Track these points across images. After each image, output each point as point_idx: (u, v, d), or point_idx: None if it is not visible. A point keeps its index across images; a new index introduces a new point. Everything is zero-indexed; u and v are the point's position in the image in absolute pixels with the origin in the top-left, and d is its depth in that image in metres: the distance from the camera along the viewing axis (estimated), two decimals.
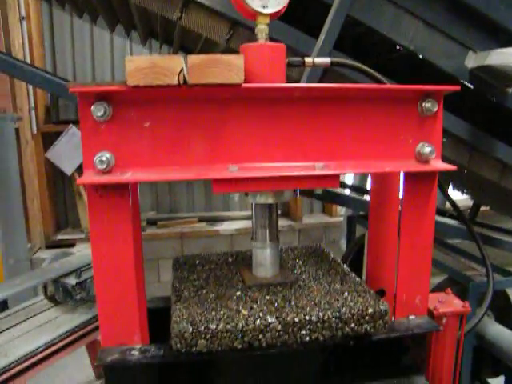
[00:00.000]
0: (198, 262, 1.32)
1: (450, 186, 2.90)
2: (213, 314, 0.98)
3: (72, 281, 2.34)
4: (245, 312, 0.99)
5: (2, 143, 3.34)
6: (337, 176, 0.95)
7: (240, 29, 1.63)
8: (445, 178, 2.49)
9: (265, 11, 1.00)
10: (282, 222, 4.53)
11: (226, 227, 4.44)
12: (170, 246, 4.32)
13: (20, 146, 3.88)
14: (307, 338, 0.98)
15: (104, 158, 0.86)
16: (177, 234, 4.33)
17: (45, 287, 2.44)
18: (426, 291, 1.15)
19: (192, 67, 0.83)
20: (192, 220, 4.53)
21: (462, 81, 1.76)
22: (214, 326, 0.93)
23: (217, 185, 0.91)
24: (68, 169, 4.13)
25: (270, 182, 0.94)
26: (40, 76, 1.76)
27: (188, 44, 2.69)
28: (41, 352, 2.01)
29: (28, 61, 3.90)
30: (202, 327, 0.93)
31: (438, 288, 2.32)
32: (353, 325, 1.00)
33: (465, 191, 2.95)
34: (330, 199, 2.26)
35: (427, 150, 1.00)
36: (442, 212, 2.70)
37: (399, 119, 1.01)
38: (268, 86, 0.92)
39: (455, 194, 3.01)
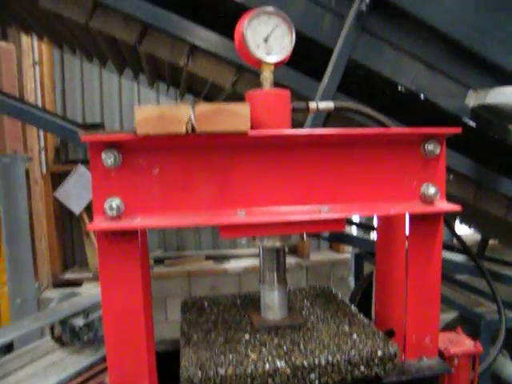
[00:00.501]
0: (206, 304, 1.32)
1: (457, 221, 2.90)
2: (222, 358, 0.98)
3: (79, 322, 2.33)
4: (254, 356, 0.98)
5: (13, 183, 3.39)
6: (342, 219, 0.97)
7: (245, 73, 1.68)
8: (452, 214, 2.50)
9: (269, 60, 1.04)
10: (290, 260, 4.51)
11: (233, 265, 4.42)
12: (177, 285, 4.29)
13: (30, 185, 3.94)
14: (317, 382, 0.97)
15: (114, 205, 0.88)
16: (184, 273, 4.31)
17: (52, 328, 2.43)
18: (436, 331, 1.13)
19: (199, 116, 0.86)
20: (199, 258, 4.52)
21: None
22: (223, 371, 0.93)
23: (224, 230, 0.92)
24: (76, 208, 4.18)
25: (276, 227, 0.95)
26: (52, 122, 1.81)
27: (195, 87, 2.76)
28: None
29: (39, 103, 4.01)
30: (211, 372, 0.92)
31: (449, 326, 2.28)
32: (362, 368, 0.99)
33: (472, 226, 2.94)
34: (337, 239, 2.27)
35: (432, 191, 1.01)
36: (450, 247, 2.69)
37: (403, 161, 1.03)
38: (273, 133, 0.95)
39: (463, 229, 3.00)
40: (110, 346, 0.96)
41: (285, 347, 1.02)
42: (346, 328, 1.12)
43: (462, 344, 1.22)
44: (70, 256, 4.59)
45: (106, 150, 0.88)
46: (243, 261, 4.52)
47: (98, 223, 0.89)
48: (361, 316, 1.20)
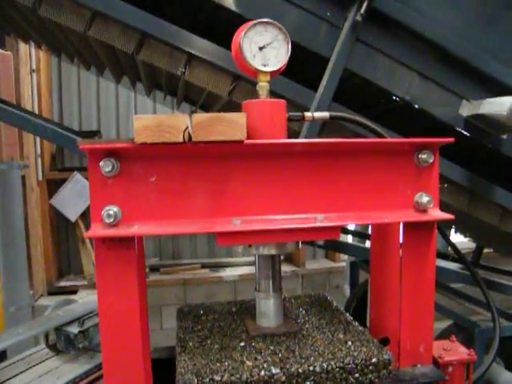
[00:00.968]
0: (202, 311, 1.32)
1: (452, 230, 2.91)
2: (217, 365, 0.98)
3: (74, 329, 2.32)
4: (249, 363, 0.99)
5: (9, 190, 3.39)
6: (337, 228, 0.98)
7: (242, 82, 1.70)
8: (447, 223, 2.51)
9: (265, 69, 1.06)
10: (285, 268, 4.51)
11: (229, 273, 4.41)
12: (172, 293, 4.28)
13: (26, 192, 3.93)
14: None
15: (111, 212, 0.89)
16: (180, 281, 4.30)
17: (46, 336, 2.41)
18: (430, 339, 1.14)
19: (196, 125, 0.87)
20: (195, 266, 4.51)
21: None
22: (219, 378, 0.93)
23: (221, 238, 0.94)
24: (72, 215, 4.18)
25: (272, 235, 0.96)
26: (50, 129, 1.82)
27: (192, 96, 2.77)
28: None
29: (36, 111, 4.01)
30: (207, 379, 0.93)
31: (444, 334, 2.29)
32: (357, 375, 1.00)
33: (467, 234, 2.96)
34: (332, 248, 2.28)
35: (425, 199, 1.03)
36: (445, 256, 2.70)
37: (397, 170, 1.04)
38: (269, 142, 0.97)
39: (458, 237, 3.02)
40: (106, 351, 0.96)
41: (280, 354, 1.03)
42: (341, 335, 1.13)
43: (456, 352, 1.23)
44: (66, 263, 4.57)
45: (105, 158, 0.89)
46: (239, 269, 4.52)
47: (96, 230, 0.90)
48: (355, 324, 1.21)
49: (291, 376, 0.96)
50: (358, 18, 1.59)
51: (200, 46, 1.69)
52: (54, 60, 4.34)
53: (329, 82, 1.63)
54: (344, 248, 2.18)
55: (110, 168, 0.90)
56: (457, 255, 1.65)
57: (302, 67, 1.89)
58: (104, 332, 0.95)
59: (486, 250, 2.98)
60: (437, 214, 1.05)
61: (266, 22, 1.04)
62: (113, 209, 0.90)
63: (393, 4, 1.63)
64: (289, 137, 1.08)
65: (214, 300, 4.29)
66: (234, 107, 1.53)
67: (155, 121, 0.86)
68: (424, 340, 1.13)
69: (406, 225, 1.09)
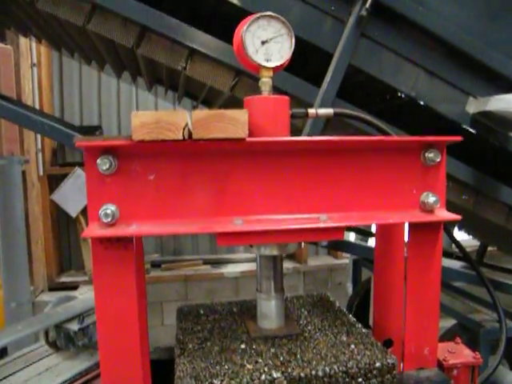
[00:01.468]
0: (202, 312, 1.30)
1: (456, 228, 2.88)
2: (217, 368, 0.96)
3: (74, 326, 2.31)
4: (249, 366, 0.97)
5: (9, 186, 3.38)
6: (342, 228, 0.95)
7: (244, 78, 1.67)
8: (451, 221, 2.48)
9: (268, 65, 1.03)
10: (287, 265, 4.48)
11: (230, 270, 4.39)
12: (174, 289, 4.27)
13: (26, 187, 3.91)
14: None
15: (109, 211, 0.86)
16: (181, 277, 4.29)
17: (46, 333, 2.40)
18: (435, 342, 1.12)
19: (197, 122, 0.84)
20: (196, 262, 4.50)
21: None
22: (219, 382, 0.91)
23: (221, 238, 0.91)
24: (73, 211, 4.16)
25: (274, 235, 0.93)
26: (48, 126, 1.79)
27: (193, 91, 2.74)
28: None
29: (37, 105, 3.99)
30: (207, 383, 0.91)
31: (448, 334, 2.27)
32: (360, 379, 0.97)
33: (471, 233, 2.93)
34: (335, 247, 2.25)
35: (432, 199, 1.00)
36: (448, 254, 2.67)
37: (403, 169, 1.01)
38: (271, 140, 0.93)
39: (461, 235, 2.99)
40: (103, 353, 0.94)
41: (281, 358, 1.00)
42: (344, 338, 1.10)
43: (461, 354, 1.20)
44: (67, 259, 4.56)
45: (102, 155, 0.87)
46: (240, 265, 4.50)
47: (93, 230, 0.87)
48: (359, 326, 1.18)
49: (293, 380, 0.93)
50: (363, 12, 1.56)
51: (201, 40, 1.66)
52: (55, 54, 4.31)
53: (333, 78, 1.60)
54: (347, 247, 2.15)
55: (107, 166, 0.87)
56: (462, 254, 1.62)
57: (306, 64, 1.86)
58: (101, 331, 0.93)
59: (489, 248, 2.95)
60: (444, 214, 1.03)
61: (269, 16, 1.01)
62: (110, 208, 0.87)
63: None
64: (292, 134, 1.05)
65: (215, 296, 4.29)
66: (237, 102, 1.50)
67: (154, 117, 0.84)
68: (429, 342, 1.11)
69: (412, 225, 1.06)
